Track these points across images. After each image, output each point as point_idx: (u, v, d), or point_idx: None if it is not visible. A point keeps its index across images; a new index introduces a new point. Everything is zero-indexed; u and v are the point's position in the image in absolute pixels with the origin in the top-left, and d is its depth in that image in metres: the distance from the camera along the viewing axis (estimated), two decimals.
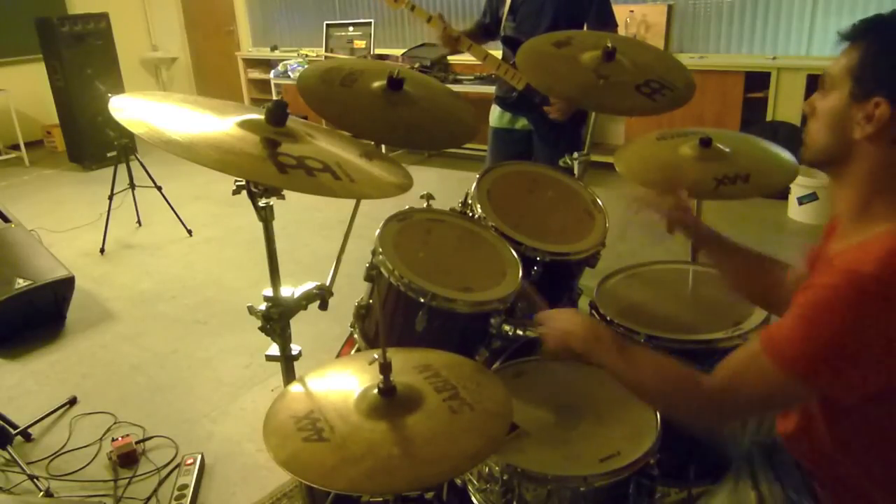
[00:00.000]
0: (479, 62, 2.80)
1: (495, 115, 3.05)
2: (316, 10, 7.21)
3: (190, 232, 4.43)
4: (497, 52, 2.86)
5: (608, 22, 2.83)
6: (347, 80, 1.79)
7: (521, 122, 2.97)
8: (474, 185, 1.88)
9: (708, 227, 1.58)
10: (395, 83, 1.77)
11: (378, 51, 6.49)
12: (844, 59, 1.07)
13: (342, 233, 1.64)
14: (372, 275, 1.60)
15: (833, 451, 1.11)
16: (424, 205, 1.82)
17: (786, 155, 2.04)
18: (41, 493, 2.16)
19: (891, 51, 1.01)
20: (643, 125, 4.78)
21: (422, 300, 1.50)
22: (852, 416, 1.07)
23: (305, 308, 1.46)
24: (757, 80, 4.70)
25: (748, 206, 4.19)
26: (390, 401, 1.16)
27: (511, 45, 2.86)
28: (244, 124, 1.28)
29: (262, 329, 1.42)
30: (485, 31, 3.01)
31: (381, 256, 1.57)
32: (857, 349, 0.96)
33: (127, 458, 2.31)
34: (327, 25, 6.67)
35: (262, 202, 1.34)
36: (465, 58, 2.83)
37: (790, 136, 4.34)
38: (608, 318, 1.74)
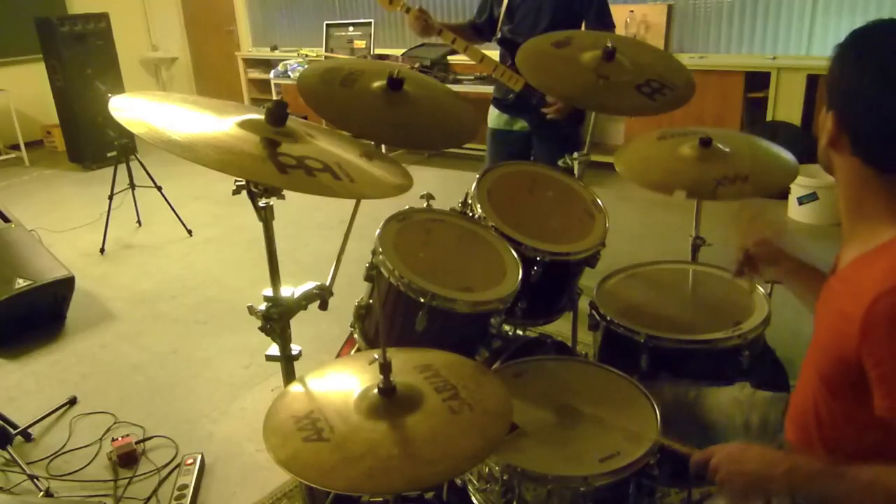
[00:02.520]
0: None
1: (493, 116, 3.04)
2: (316, 10, 7.21)
3: (190, 232, 4.43)
4: (489, 51, 2.85)
5: (607, 23, 2.83)
6: (347, 81, 1.79)
7: (520, 124, 2.97)
8: (474, 185, 1.88)
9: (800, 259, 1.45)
10: (395, 83, 1.77)
11: (378, 51, 6.48)
12: None
13: (342, 233, 1.64)
14: (372, 275, 1.61)
15: (847, 461, 1.10)
16: (424, 205, 1.82)
17: (786, 155, 2.04)
18: (41, 493, 2.16)
19: (837, 68, 1.08)
20: (643, 125, 4.78)
21: (422, 300, 1.50)
22: (868, 426, 1.06)
23: (305, 308, 1.46)
24: (757, 80, 4.70)
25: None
26: (390, 401, 1.17)
27: (508, 47, 2.86)
28: (244, 124, 1.28)
29: (262, 329, 1.42)
30: (476, 31, 3.00)
31: (381, 256, 1.57)
32: None
33: (127, 458, 2.31)
34: (327, 25, 6.67)
35: (262, 202, 1.34)
36: (466, 58, 2.82)
37: (790, 136, 4.34)
38: (608, 318, 1.75)
